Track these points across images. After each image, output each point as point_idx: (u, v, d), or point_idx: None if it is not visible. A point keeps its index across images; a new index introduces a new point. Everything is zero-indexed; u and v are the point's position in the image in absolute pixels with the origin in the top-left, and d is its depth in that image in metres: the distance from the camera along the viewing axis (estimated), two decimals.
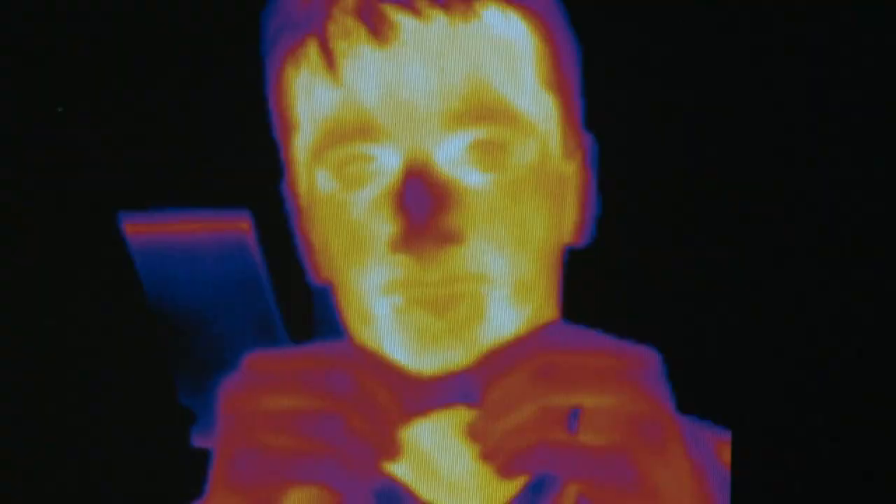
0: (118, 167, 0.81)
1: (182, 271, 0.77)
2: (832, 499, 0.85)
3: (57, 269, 0.83)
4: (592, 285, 0.76)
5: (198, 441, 0.83)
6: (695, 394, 0.66)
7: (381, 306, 0.71)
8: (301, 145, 0.74)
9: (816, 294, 0.83)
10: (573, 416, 0.60)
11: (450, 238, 0.70)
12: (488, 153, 0.71)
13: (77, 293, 0.82)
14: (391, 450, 0.62)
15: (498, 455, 0.62)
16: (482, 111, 0.70)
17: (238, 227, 0.77)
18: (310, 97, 0.73)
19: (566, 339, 0.61)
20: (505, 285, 0.71)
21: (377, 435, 0.62)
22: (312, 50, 0.72)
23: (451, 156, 0.71)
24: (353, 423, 0.61)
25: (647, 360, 0.61)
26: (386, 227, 0.70)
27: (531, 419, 0.60)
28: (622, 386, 0.60)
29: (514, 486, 0.76)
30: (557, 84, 0.75)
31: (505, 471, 0.62)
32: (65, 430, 0.83)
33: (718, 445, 0.76)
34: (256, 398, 0.62)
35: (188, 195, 0.78)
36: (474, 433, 0.63)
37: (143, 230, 0.78)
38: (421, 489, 0.76)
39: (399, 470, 0.76)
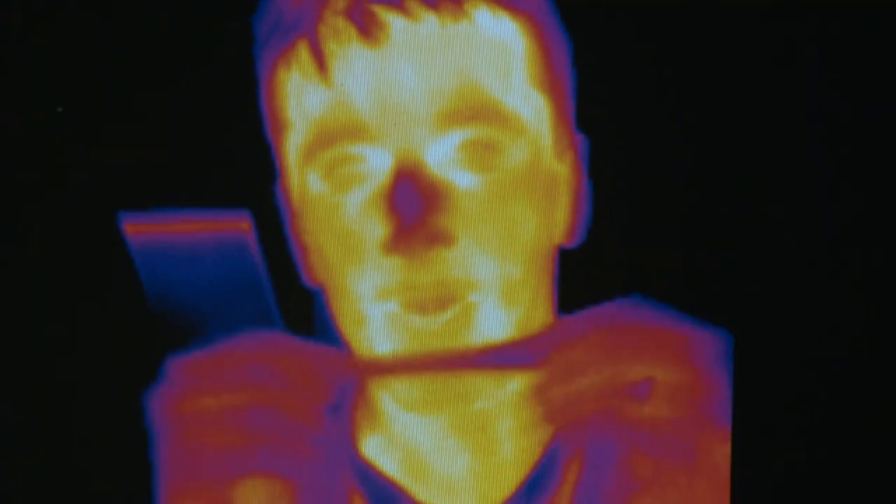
0: (118, 167, 0.81)
1: (182, 271, 0.77)
2: (832, 499, 0.85)
3: (57, 269, 0.83)
4: (586, 285, 0.76)
5: None
6: None
7: (375, 312, 0.72)
8: (292, 146, 0.75)
9: (813, 292, 0.83)
10: (641, 387, 0.62)
11: (440, 239, 0.70)
12: (479, 153, 0.71)
13: (77, 293, 0.83)
14: (319, 426, 0.64)
15: (560, 417, 0.63)
16: (472, 111, 0.70)
17: (238, 227, 0.77)
18: (301, 98, 0.73)
19: (639, 313, 0.63)
20: (494, 288, 0.71)
21: (307, 415, 0.64)
22: (303, 51, 0.72)
23: (441, 156, 0.71)
24: (282, 410, 0.62)
25: (716, 341, 0.63)
26: (377, 228, 0.71)
27: (598, 386, 0.61)
28: (691, 363, 0.62)
29: (509, 486, 0.76)
30: (548, 84, 0.75)
31: (565, 432, 0.63)
32: (65, 430, 0.83)
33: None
34: (186, 403, 0.64)
35: (188, 195, 0.79)
36: (540, 395, 0.64)
37: (143, 230, 0.79)
38: (416, 490, 0.76)
39: (394, 470, 0.76)
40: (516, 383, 0.73)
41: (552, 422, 0.64)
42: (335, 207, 0.72)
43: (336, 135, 0.71)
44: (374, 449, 0.76)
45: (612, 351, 0.62)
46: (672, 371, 0.62)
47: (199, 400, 0.63)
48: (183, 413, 0.63)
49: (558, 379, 0.63)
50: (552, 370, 0.64)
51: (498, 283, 0.71)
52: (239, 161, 0.79)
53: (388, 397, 0.74)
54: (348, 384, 0.73)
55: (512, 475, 0.76)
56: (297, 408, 0.63)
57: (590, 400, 0.62)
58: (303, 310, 0.78)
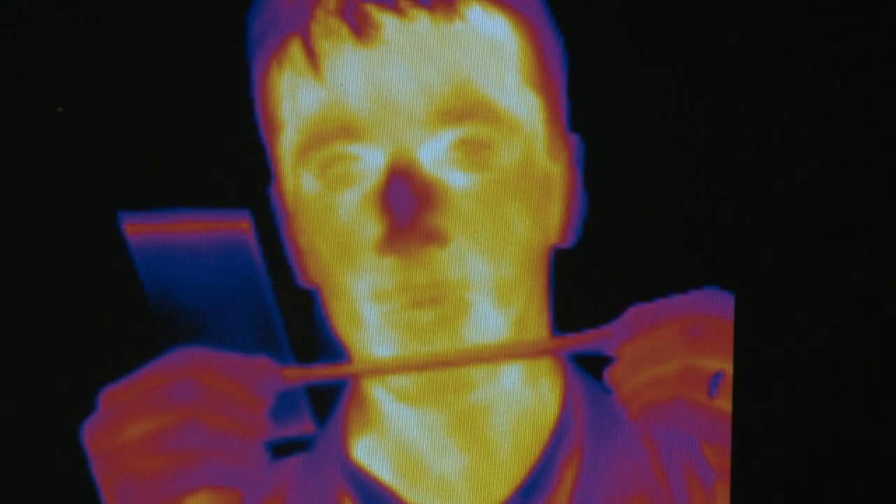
0: (118, 167, 0.81)
1: (182, 271, 0.77)
2: (832, 498, 0.84)
3: (57, 269, 0.83)
4: (581, 285, 0.76)
5: None
6: None
7: (370, 310, 0.72)
8: (286, 146, 0.75)
9: (808, 290, 0.83)
10: (714, 379, 0.62)
11: (433, 237, 0.70)
12: (472, 152, 0.71)
13: (77, 293, 0.83)
14: (257, 429, 0.65)
15: (634, 403, 0.64)
16: (465, 110, 0.70)
17: (238, 227, 0.77)
18: (294, 98, 0.73)
19: (718, 305, 0.64)
20: (489, 286, 0.71)
21: (239, 423, 0.64)
22: (296, 50, 0.72)
23: (435, 155, 0.71)
24: (213, 423, 0.63)
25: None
26: (371, 227, 0.71)
27: (674, 375, 0.62)
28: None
29: (504, 489, 0.76)
30: (542, 83, 0.75)
31: (639, 418, 0.64)
32: (64, 430, 0.83)
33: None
34: (117, 431, 0.65)
35: (188, 195, 0.79)
36: (614, 378, 0.65)
37: (143, 230, 0.79)
38: (409, 492, 0.76)
39: (386, 472, 0.76)
40: (511, 376, 0.73)
41: (627, 406, 0.65)
42: (329, 207, 0.72)
43: (330, 134, 0.71)
44: (366, 451, 0.76)
45: (690, 341, 0.63)
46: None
47: (127, 426, 0.64)
48: (114, 441, 0.65)
49: (635, 366, 0.64)
50: (630, 357, 0.65)
51: (492, 281, 0.71)
52: (239, 161, 0.79)
53: (383, 389, 0.75)
54: (342, 387, 0.74)
55: (508, 476, 0.75)
56: (226, 420, 0.64)
57: (665, 388, 0.63)
58: (303, 310, 0.78)
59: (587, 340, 0.71)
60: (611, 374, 0.66)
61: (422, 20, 0.70)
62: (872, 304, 0.83)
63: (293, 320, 0.77)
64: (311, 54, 0.71)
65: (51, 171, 0.83)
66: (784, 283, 0.82)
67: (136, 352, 0.78)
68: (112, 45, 0.82)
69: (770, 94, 0.81)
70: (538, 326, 0.75)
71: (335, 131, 0.71)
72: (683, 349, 0.63)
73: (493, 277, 0.71)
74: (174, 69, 0.82)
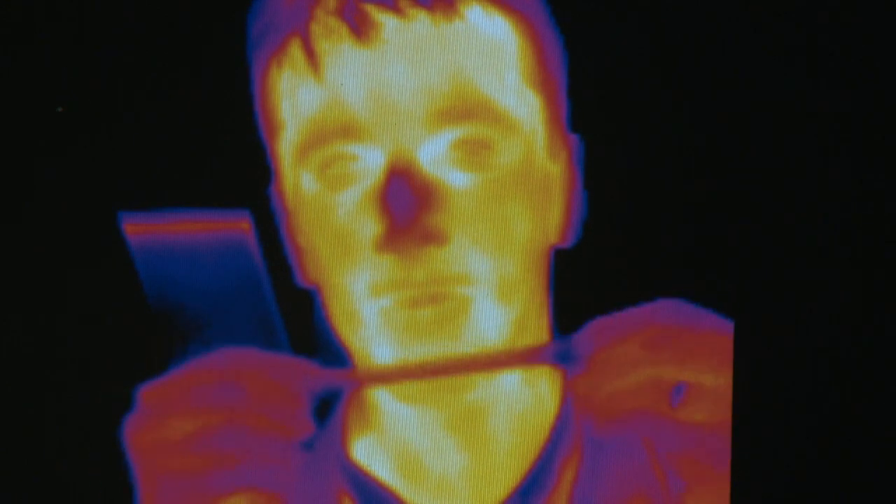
0: (118, 167, 0.81)
1: (182, 271, 0.77)
2: (832, 498, 0.85)
3: (57, 269, 0.83)
4: (581, 285, 0.76)
5: None
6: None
7: (369, 309, 0.72)
8: (286, 145, 0.75)
9: (809, 292, 0.83)
10: (677, 389, 0.62)
11: (433, 237, 0.70)
12: (472, 152, 0.71)
13: (77, 293, 0.82)
14: (300, 431, 0.65)
15: (599, 414, 0.64)
16: (465, 109, 0.70)
17: (238, 227, 0.77)
18: (294, 97, 0.73)
19: (681, 315, 0.63)
20: (489, 286, 0.71)
21: (282, 425, 0.64)
22: (296, 50, 0.72)
23: (434, 155, 0.71)
24: (255, 424, 0.63)
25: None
26: (370, 227, 0.71)
27: (638, 385, 0.62)
28: (729, 367, 0.62)
29: (504, 488, 0.76)
30: (542, 83, 0.75)
31: (603, 429, 0.64)
32: (64, 430, 0.83)
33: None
34: (159, 429, 0.64)
35: (188, 195, 0.79)
36: (577, 391, 0.65)
37: (143, 230, 0.79)
38: (408, 492, 0.76)
39: (386, 473, 0.76)
40: (511, 376, 0.73)
41: (592, 418, 0.65)
42: (328, 207, 0.72)
43: (329, 134, 0.71)
44: (366, 451, 0.76)
45: (652, 352, 0.62)
46: (709, 375, 0.62)
47: (170, 425, 0.64)
48: (156, 439, 0.64)
49: (599, 377, 0.64)
50: (593, 369, 0.64)
51: (492, 281, 0.71)
52: (239, 161, 0.79)
53: (382, 389, 0.75)
54: (338, 389, 0.74)
55: (508, 476, 0.75)
56: (269, 421, 0.64)
57: (628, 400, 0.63)
58: (303, 310, 0.78)
59: (549, 353, 0.70)
60: (574, 387, 0.65)
61: (421, 20, 0.70)
62: (872, 305, 0.84)
63: (293, 320, 0.77)
64: (310, 54, 0.71)
65: (51, 171, 0.83)
66: (785, 280, 0.82)
67: (136, 352, 0.78)
68: (112, 45, 0.82)
69: (771, 94, 0.81)
70: (538, 326, 0.75)
71: (335, 131, 0.71)
72: (646, 360, 0.62)
73: (492, 277, 0.71)
74: (174, 69, 0.82)
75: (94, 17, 0.82)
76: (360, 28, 0.70)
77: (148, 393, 0.65)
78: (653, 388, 0.62)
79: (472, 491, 0.75)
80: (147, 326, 0.77)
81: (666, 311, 0.64)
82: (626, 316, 0.65)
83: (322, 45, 0.71)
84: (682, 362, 0.62)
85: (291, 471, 0.65)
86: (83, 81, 0.83)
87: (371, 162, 0.71)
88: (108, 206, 0.80)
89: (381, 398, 0.76)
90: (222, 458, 0.62)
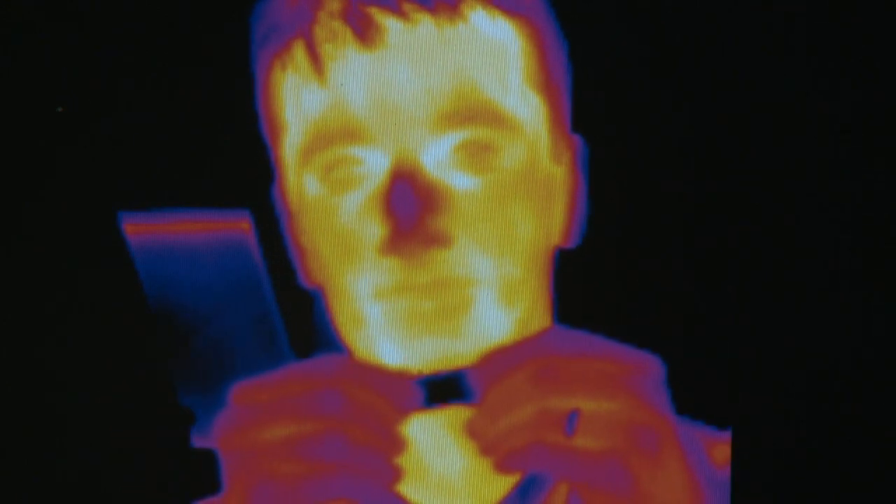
0: (118, 167, 0.81)
1: (182, 271, 0.77)
2: (832, 498, 0.85)
3: (57, 269, 0.83)
4: (583, 287, 0.76)
5: (197, 441, 0.83)
6: (689, 395, 0.66)
7: (373, 311, 0.72)
8: (289, 148, 0.75)
9: (812, 294, 0.83)
10: (570, 418, 0.60)
11: (437, 240, 0.70)
12: (476, 155, 0.71)
13: (77, 293, 0.82)
14: (398, 447, 0.63)
15: (495, 452, 0.62)
16: (469, 113, 0.70)
17: (238, 227, 0.77)
18: (297, 100, 0.73)
19: (567, 343, 0.62)
20: (493, 287, 0.71)
21: (380, 439, 0.63)
22: (299, 53, 0.72)
23: (438, 158, 0.71)
24: (355, 436, 0.61)
25: (647, 366, 0.62)
26: (374, 230, 0.71)
27: (529, 419, 0.61)
28: (621, 391, 0.60)
29: (503, 487, 0.76)
30: (545, 85, 0.75)
31: (500, 467, 0.62)
32: (64, 431, 0.83)
33: (717, 447, 0.76)
34: (255, 431, 0.62)
35: (188, 195, 0.79)
36: (472, 430, 0.63)
37: (143, 230, 0.78)
38: (409, 490, 0.76)
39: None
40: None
41: (487, 456, 0.63)
42: (332, 209, 0.72)
43: (333, 137, 0.71)
44: None
45: (540, 384, 0.61)
46: (601, 401, 0.61)
47: (267, 427, 0.62)
48: (251, 440, 0.62)
49: (489, 414, 0.63)
50: (483, 406, 0.63)
51: (497, 283, 0.71)
52: (239, 161, 0.79)
53: None
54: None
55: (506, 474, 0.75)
56: (367, 433, 0.63)
57: (522, 434, 0.61)
58: (303, 310, 0.78)
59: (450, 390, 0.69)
60: (469, 428, 0.64)
61: (425, 24, 0.70)
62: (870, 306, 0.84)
63: (293, 320, 0.77)
64: (314, 58, 0.71)
65: (50, 171, 0.83)
66: (785, 280, 0.82)
67: (135, 352, 0.78)
68: (113, 45, 0.82)
69: (773, 95, 0.81)
70: (541, 326, 0.76)
71: (338, 134, 0.71)
72: (535, 393, 0.61)
73: (497, 277, 0.71)
74: (175, 69, 0.82)
75: (94, 17, 0.82)
76: (364, 32, 0.70)
77: (241, 391, 0.64)
78: (545, 419, 0.61)
79: (472, 489, 0.75)
80: (147, 326, 0.77)
81: (549, 342, 0.63)
82: (509, 350, 0.63)
83: (326, 49, 0.71)
84: (570, 392, 0.61)
85: (386, 486, 0.64)
86: (83, 81, 0.83)
87: (375, 165, 0.71)
88: (108, 206, 0.80)
89: None
90: (317, 466, 0.61)
